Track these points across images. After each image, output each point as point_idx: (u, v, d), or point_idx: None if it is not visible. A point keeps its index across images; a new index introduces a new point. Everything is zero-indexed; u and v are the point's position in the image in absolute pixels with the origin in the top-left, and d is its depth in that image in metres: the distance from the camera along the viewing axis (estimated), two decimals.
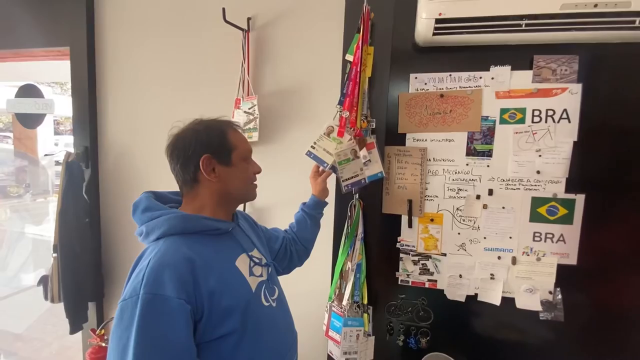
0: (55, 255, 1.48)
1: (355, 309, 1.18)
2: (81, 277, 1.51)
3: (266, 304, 0.83)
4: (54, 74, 2.15)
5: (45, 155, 2.29)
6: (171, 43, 1.46)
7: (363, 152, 1.16)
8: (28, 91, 1.79)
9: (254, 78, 1.35)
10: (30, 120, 1.84)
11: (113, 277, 1.66)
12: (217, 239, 0.80)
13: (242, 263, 0.81)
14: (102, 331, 1.50)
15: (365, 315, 1.18)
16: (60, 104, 1.91)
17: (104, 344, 1.49)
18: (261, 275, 0.85)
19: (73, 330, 1.52)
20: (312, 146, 1.19)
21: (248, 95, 1.34)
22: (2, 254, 2.45)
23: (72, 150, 1.57)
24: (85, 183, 1.56)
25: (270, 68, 1.35)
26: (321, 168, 1.14)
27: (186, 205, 0.82)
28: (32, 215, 2.56)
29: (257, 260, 0.85)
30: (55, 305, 1.55)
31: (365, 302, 1.19)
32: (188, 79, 1.45)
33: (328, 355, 1.25)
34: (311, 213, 1.13)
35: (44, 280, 1.53)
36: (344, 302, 1.16)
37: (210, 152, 0.78)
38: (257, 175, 0.89)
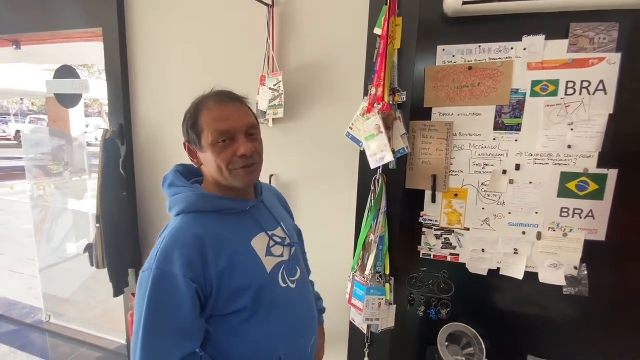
0: (98, 225, 1.61)
1: (378, 279, 1.22)
2: (122, 245, 1.64)
3: (283, 285, 0.81)
4: (82, 57, 2.23)
5: (85, 132, 2.43)
6: (198, 21, 1.48)
7: (397, 125, 1.15)
8: (65, 72, 1.89)
9: (279, 54, 1.37)
10: (68, 101, 1.95)
11: (150, 246, 1.77)
12: (235, 218, 0.79)
13: (259, 243, 0.79)
14: None
15: (387, 285, 1.23)
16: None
17: None
18: (282, 255, 0.83)
19: (116, 294, 1.67)
20: (350, 127, 1.21)
21: (273, 71, 1.36)
22: (47, 226, 2.66)
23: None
24: (121, 159, 1.66)
25: (295, 44, 1.35)
26: None
27: (204, 181, 0.83)
28: (72, 192, 2.74)
29: (278, 240, 0.83)
30: (97, 272, 1.69)
31: (388, 272, 1.24)
32: (215, 57, 1.48)
33: (350, 322, 1.31)
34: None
35: (89, 248, 1.67)
36: (367, 272, 1.20)
37: (186, 138, 0.79)
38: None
